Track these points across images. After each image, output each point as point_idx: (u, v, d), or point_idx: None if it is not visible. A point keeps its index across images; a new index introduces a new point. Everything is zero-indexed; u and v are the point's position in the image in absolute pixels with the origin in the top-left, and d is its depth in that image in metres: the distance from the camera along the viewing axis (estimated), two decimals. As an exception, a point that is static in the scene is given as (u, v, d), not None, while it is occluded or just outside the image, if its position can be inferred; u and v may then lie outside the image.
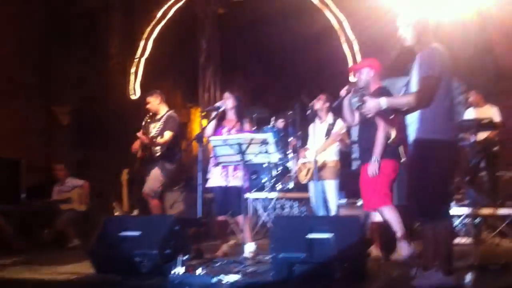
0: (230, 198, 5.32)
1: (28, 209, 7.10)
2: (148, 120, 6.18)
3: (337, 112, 5.43)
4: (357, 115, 4.84)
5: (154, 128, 6.11)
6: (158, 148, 6.02)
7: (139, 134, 6.02)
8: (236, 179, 5.26)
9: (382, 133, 4.57)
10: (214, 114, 5.47)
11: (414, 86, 3.60)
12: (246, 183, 5.37)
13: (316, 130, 5.98)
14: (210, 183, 5.44)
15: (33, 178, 8.02)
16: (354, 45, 9.32)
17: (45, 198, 7.33)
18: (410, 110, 3.63)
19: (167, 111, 6.24)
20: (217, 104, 5.56)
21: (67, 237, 6.95)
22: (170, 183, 6.51)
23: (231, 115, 5.52)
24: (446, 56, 3.59)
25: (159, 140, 6.01)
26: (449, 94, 3.61)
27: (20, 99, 8.90)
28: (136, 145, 6.09)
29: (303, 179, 6.05)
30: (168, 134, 6.03)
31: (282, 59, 10.61)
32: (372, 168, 4.55)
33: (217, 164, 5.28)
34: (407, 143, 3.75)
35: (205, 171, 5.48)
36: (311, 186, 5.94)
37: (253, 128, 6.47)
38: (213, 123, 5.45)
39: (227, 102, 5.47)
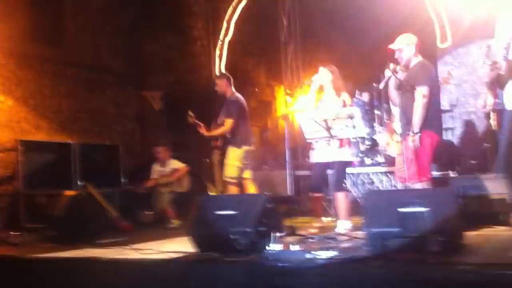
0: (334, 173, 5.31)
1: (129, 191, 7.51)
2: None
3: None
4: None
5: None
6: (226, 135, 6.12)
7: (201, 129, 6.16)
8: (343, 154, 5.22)
9: (421, 104, 4.52)
10: (312, 88, 5.41)
11: None
12: (353, 158, 5.34)
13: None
14: (315, 158, 5.42)
15: (129, 162, 8.47)
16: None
17: (142, 181, 7.70)
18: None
19: (231, 94, 6.30)
20: (313, 77, 5.44)
21: (167, 217, 7.22)
22: (253, 163, 6.59)
23: (330, 89, 5.43)
24: None
25: (220, 130, 6.09)
26: None
27: (115, 87, 9.37)
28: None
29: (392, 151, 5.96)
30: (227, 122, 6.10)
31: (365, 29, 10.36)
32: (413, 139, 4.49)
33: (311, 140, 5.25)
34: (504, 110, 3.63)
35: (294, 149, 5.52)
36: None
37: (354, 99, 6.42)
38: (312, 97, 5.39)
39: (326, 76, 5.40)
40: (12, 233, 5.59)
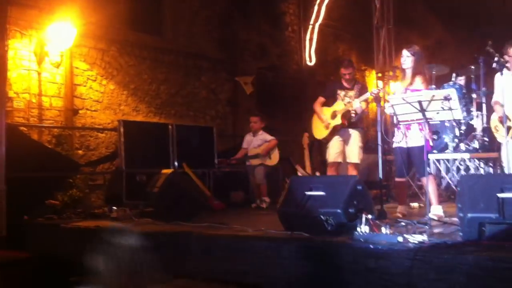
0: (412, 159, 5.24)
1: (222, 172, 7.73)
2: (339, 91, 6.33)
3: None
4: None
5: (346, 96, 6.25)
6: (353, 115, 6.14)
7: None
8: (418, 139, 5.14)
9: None
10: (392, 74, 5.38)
11: None
12: (429, 142, 5.21)
13: (506, 82, 5.50)
14: (395, 144, 5.38)
15: (221, 145, 8.71)
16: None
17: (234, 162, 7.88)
18: None
19: (357, 81, 6.45)
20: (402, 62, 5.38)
21: (259, 195, 7.28)
22: None
23: (409, 74, 5.34)
24: None
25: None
26: None
27: (209, 73, 9.66)
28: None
29: (500, 137, 5.62)
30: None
31: (460, 9, 9.92)
32: None
33: (397, 124, 5.19)
34: None
35: (386, 132, 5.45)
36: (504, 145, 5.52)
37: (431, 86, 6.27)
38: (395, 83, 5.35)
39: (407, 61, 5.30)
40: (114, 208, 5.92)
